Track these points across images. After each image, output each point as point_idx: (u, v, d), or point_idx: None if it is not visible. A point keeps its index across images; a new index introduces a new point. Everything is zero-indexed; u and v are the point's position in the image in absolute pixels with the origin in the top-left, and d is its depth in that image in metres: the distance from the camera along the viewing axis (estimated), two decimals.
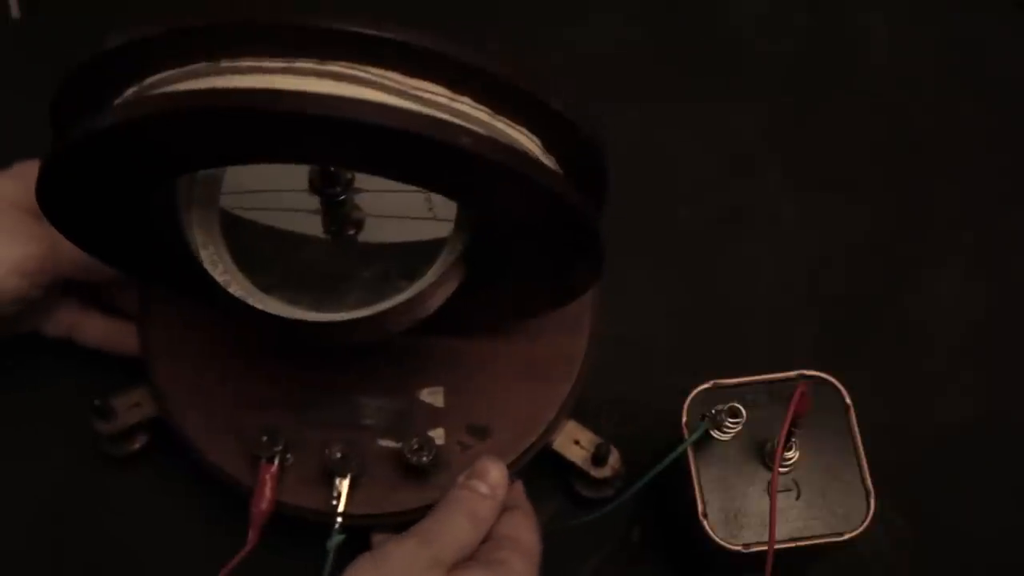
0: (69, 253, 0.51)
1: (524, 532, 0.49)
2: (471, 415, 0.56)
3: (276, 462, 0.53)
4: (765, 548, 0.49)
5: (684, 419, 0.51)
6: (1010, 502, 0.60)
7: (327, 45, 0.38)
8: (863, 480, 0.50)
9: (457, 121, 0.39)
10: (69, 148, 0.40)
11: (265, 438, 0.53)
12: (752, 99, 0.69)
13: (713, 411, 0.49)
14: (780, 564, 0.52)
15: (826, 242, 0.66)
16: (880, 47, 0.71)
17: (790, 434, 0.49)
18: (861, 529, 0.49)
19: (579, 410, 0.60)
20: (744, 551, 0.49)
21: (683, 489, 0.51)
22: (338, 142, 0.39)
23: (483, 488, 0.50)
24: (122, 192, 0.44)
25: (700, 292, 0.64)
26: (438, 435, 0.55)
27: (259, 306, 0.47)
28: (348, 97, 0.37)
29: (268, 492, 0.53)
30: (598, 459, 0.56)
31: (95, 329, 0.59)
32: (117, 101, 0.41)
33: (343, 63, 0.38)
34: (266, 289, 0.48)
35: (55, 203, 0.45)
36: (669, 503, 0.58)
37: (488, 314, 0.55)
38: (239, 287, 0.47)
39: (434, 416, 0.56)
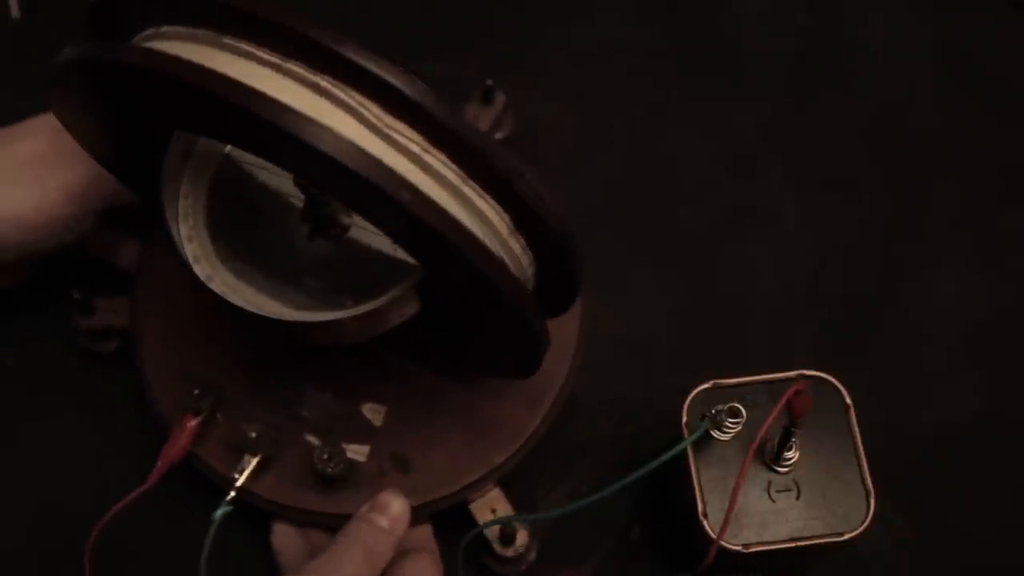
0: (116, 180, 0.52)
1: None
2: (401, 445, 0.55)
3: (200, 417, 0.54)
4: (765, 548, 0.49)
5: (684, 419, 0.51)
6: (1010, 502, 0.60)
7: (323, 58, 0.38)
8: (863, 480, 0.50)
9: (416, 172, 0.39)
10: (68, 64, 0.42)
11: (197, 391, 0.54)
12: (753, 99, 0.70)
13: (713, 411, 0.49)
14: (780, 564, 0.53)
15: (826, 242, 0.66)
16: (879, 47, 0.71)
17: (789, 434, 0.49)
18: (861, 529, 0.49)
19: (578, 410, 0.60)
20: (744, 551, 0.49)
21: (683, 489, 0.51)
22: (284, 150, 0.40)
23: (383, 522, 0.49)
24: (119, 122, 0.45)
25: (700, 292, 0.65)
26: (362, 452, 0.55)
27: (200, 274, 0.47)
28: (298, 112, 0.38)
29: (181, 441, 0.54)
30: (505, 537, 0.55)
31: (130, 254, 0.60)
32: (136, 37, 0.43)
33: (331, 79, 0.39)
34: (226, 260, 0.49)
35: (63, 105, 0.46)
36: (669, 503, 0.58)
37: (445, 355, 0.55)
38: (198, 245, 0.48)
39: (367, 432, 0.55)
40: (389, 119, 0.39)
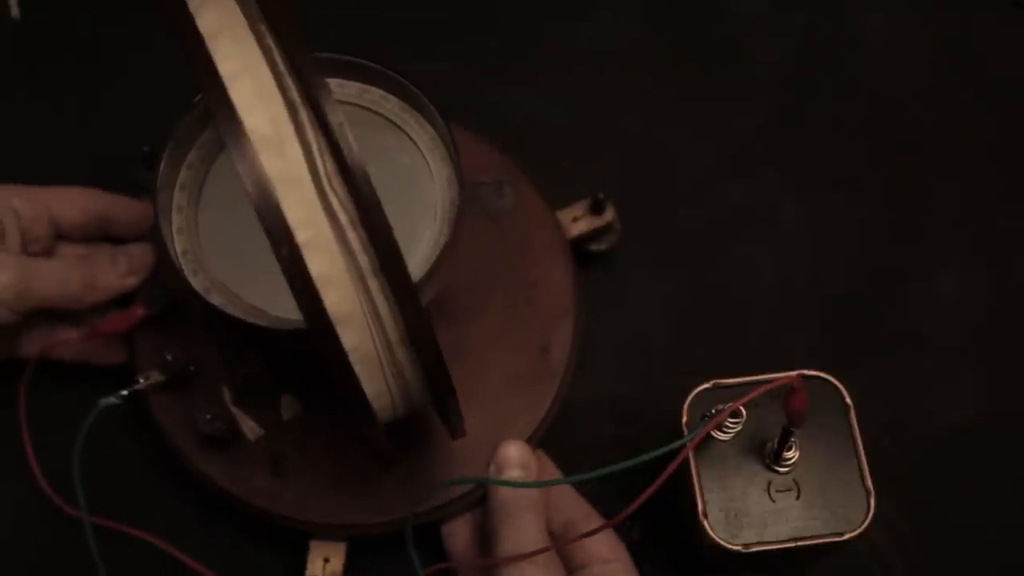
0: (43, 283, 0.53)
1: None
2: (288, 449, 0.55)
3: (149, 312, 0.55)
4: (765, 548, 0.49)
5: (684, 419, 0.51)
6: (1010, 502, 0.60)
7: (307, 90, 0.39)
8: (863, 480, 0.50)
9: (331, 242, 0.39)
10: None
11: (155, 290, 0.55)
12: (752, 98, 0.70)
13: (713, 411, 0.49)
14: (780, 564, 0.53)
15: (826, 242, 0.66)
16: (880, 46, 0.71)
17: (789, 433, 0.49)
18: (861, 529, 0.49)
19: (578, 410, 0.60)
20: (744, 551, 0.49)
21: (683, 489, 0.51)
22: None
23: (516, 472, 0.52)
24: None
25: (700, 292, 0.64)
26: (255, 432, 0.55)
27: (166, 229, 0.47)
28: (242, 128, 0.38)
29: (117, 321, 0.55)
30: None
31: (71, 346, 0.58)
32: None
33: (310, 114, 0.40)
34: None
35: None
36: (669, 503, 0.58)
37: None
38: (194, 259, 0.48)
39: (271, 418, 0.55)
40: (336, 179, 0.39)
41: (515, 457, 0.53)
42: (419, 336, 0.41)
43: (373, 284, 0.40)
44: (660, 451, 0.48)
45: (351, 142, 0.39)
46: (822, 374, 0.51)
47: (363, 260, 0.40)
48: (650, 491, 0.46)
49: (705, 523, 0.49)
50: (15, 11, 0.71)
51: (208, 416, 0.53)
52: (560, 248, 0.60)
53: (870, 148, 0.68)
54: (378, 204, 0.39)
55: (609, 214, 0.62)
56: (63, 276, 0.54)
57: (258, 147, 0.39)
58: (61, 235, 0.57)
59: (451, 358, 0.55)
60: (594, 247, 0.63)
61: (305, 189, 0.39)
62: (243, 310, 0.47)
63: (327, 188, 0.39)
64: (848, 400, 0.51)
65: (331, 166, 0.39)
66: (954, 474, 0.60)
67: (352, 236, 0.40)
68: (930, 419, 0.62)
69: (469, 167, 0.58)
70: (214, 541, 0.58)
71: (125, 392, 0.53)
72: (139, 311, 0.55)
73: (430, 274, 0.47)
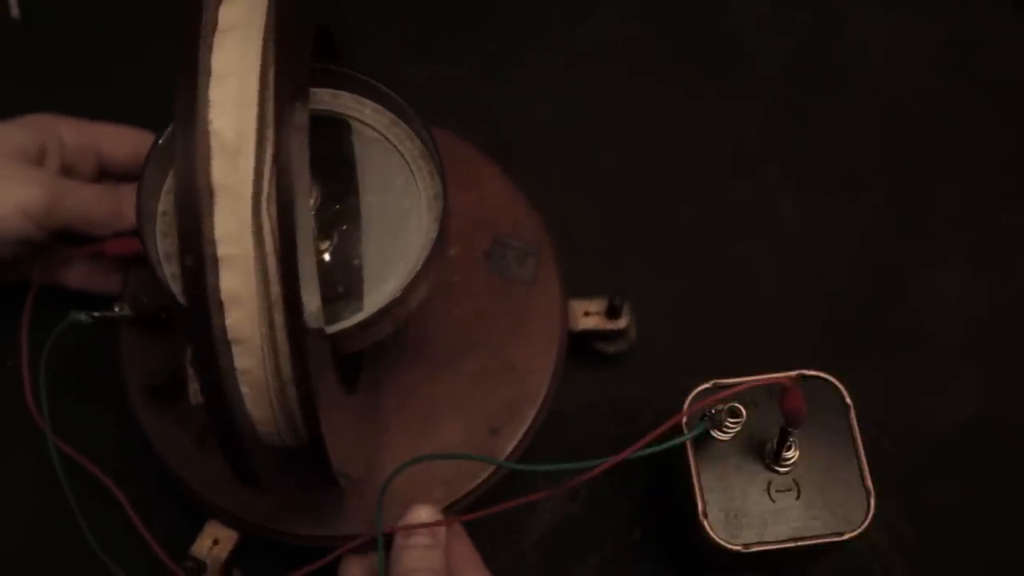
0: (72, 203, 0.54)
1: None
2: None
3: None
4: (765, 548, 0.49)
5: (684, 419, 0.51)
6: (1010, 501, 0.60)
7: (279, 118, 0.39)
8: (863, 480, 0.50)
9: (248, 263, 0.39)
10: None
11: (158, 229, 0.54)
12: (753, 97, 0.69)
13: (713, 411, 0.49)
14: (780, 564, 0.53)
15: (827, 241, 0.66)
16: (881, 45, 0.71)
17: (787, 433, 0.49)
18: (861, 529, 0.49)
19: (578, 410, 0.60)
20: (744, 551, 0.49)
21: (683, 489, 0.51)
22: None
23: (423, 539, 0.49)
24: None
25: (701, 291, 0.64)
26: (197, 396, 0.53)
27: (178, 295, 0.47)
28: (200, 116, 0.38)
29: (117, 243, 0.56)
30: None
31: (79, 272, 0.60)
32: None
33: (273, 132, 0.39)
34: None
35: None
36: (669, 503, 0.58)
37: None
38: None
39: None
40: (273, 207, 0.39)
41: (425, 521, 0.50)
42: (300, 387, 0.40)
43: (279, 318, 0.40)
44: (662, 445, 0.48)
45: (291, 178, 0.38)
46: (822, 374, 0.51)
47: (275, 289, 0.39)
48: (598, 470, 0.46)
49: (705, 523, 0.49)
50: (15, 11, 0.71)
51: (153, 369, 0.53)
52: (556, 340, 0.58)
53: (872, 146, 0.68)
54: (294, 247, 0.38)
55: (624, 321, 0.59)
56: (93, 199, 0.56)
57: (215, 150, 0.38)
58: (106, 171, 0.59)
59: (403, 394, 0.56)
60: (601, 347, 0.61)
61: (242, 206, 0.39)
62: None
63: (264, 213, 0.39)
64: (848, 400, 0.51)
65: (272, 188, 0.39)
66: (954, 474, 0.60)
67: (271, 265, 0.39)
68: (930, 419, 0.62)
69: (506, 225, 0.59)
70: (142, 482, 0.57)
71: (96, 313, 0.53)
72: (138, 244, 0.55)
73: (368, 322, 0.46)
